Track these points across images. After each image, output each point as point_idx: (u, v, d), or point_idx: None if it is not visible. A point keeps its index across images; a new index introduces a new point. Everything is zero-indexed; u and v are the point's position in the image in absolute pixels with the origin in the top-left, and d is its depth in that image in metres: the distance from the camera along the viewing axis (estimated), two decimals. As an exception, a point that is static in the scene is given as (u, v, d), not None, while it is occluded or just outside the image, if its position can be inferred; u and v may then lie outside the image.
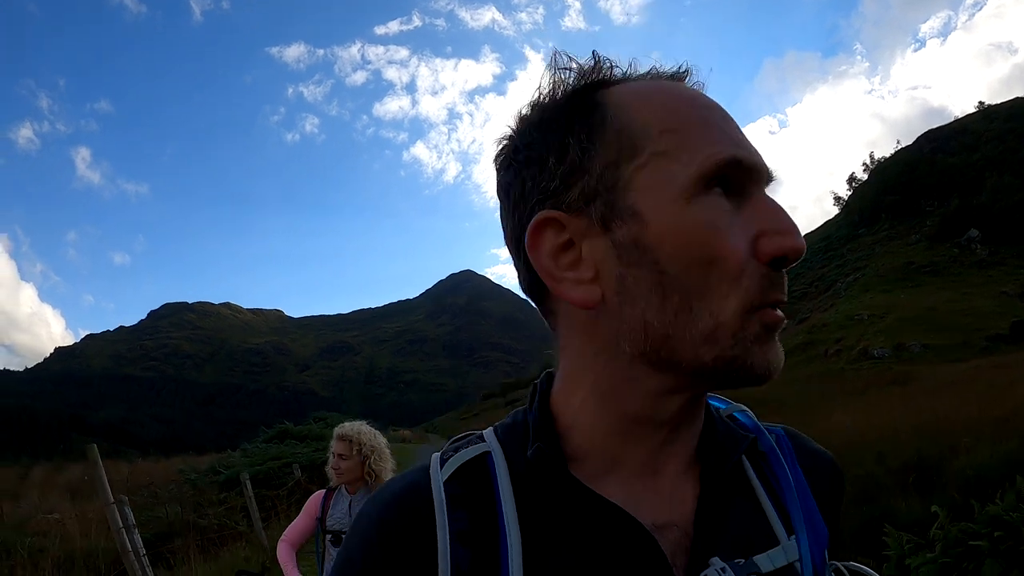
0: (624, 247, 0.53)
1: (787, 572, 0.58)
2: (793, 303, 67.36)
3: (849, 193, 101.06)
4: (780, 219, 0.53)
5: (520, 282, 0.63)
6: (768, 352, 0.53)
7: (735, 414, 0.69)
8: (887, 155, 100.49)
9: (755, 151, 0.55)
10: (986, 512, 3.72)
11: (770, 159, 0.53)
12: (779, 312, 0.53)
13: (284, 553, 3.28)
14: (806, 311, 59.19)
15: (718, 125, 0.55)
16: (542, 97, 0.59)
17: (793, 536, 0.60)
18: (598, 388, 0.58)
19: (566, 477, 0.57)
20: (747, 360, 0.52)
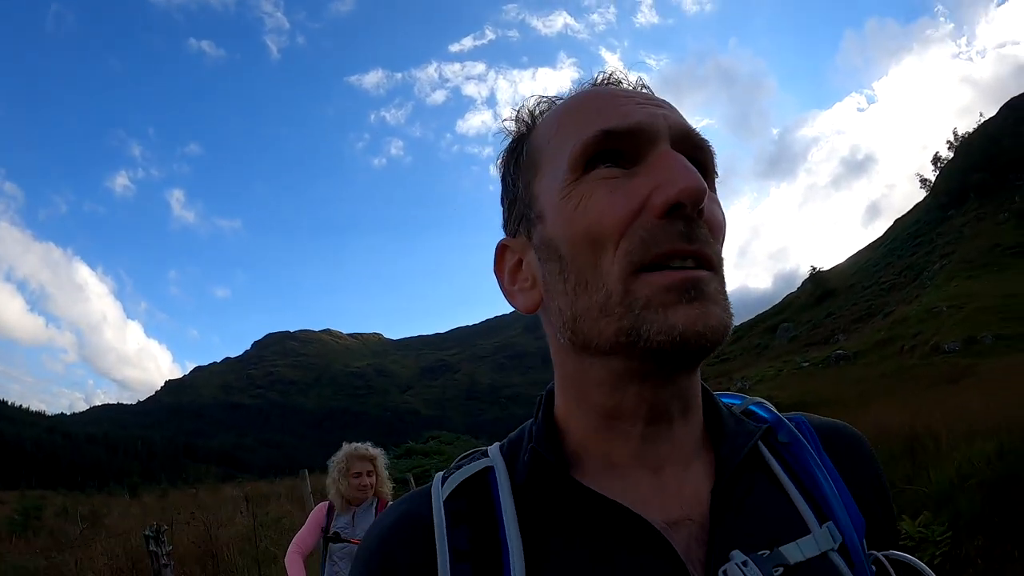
0: (539, 248, 0.58)
1: (819, 562, 0.54)
2: (882, 295, 65.52)
3: (936, 174, 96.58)
4: (670, 169, 0.52)
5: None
6: (671, 315, 0.50)
7: (751, 407, 0.68)
8: (971, 130, 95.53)
9: (641, 115, 0.55)
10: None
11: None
12: (678, 271, 0.51)
13: (294, 562, 3.52)
14: (893, 304, 57.89)
15: (597, 110, 0.56)
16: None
17: (826, 524, 0.56)
18: (567, 388, 0.61)
19: (565, 479, 0.56)
20: (640, 327, 0.50)
